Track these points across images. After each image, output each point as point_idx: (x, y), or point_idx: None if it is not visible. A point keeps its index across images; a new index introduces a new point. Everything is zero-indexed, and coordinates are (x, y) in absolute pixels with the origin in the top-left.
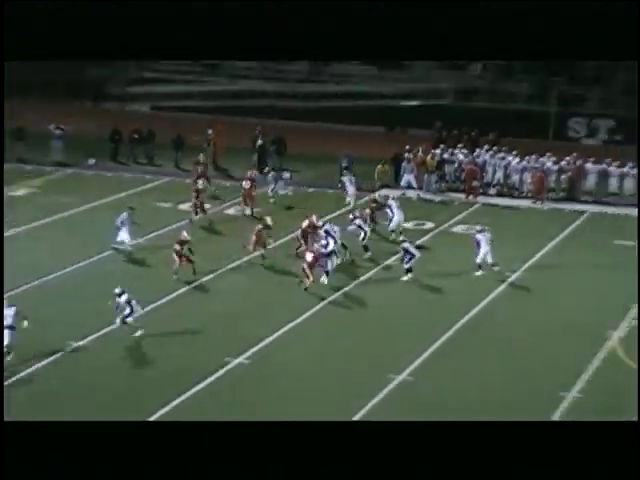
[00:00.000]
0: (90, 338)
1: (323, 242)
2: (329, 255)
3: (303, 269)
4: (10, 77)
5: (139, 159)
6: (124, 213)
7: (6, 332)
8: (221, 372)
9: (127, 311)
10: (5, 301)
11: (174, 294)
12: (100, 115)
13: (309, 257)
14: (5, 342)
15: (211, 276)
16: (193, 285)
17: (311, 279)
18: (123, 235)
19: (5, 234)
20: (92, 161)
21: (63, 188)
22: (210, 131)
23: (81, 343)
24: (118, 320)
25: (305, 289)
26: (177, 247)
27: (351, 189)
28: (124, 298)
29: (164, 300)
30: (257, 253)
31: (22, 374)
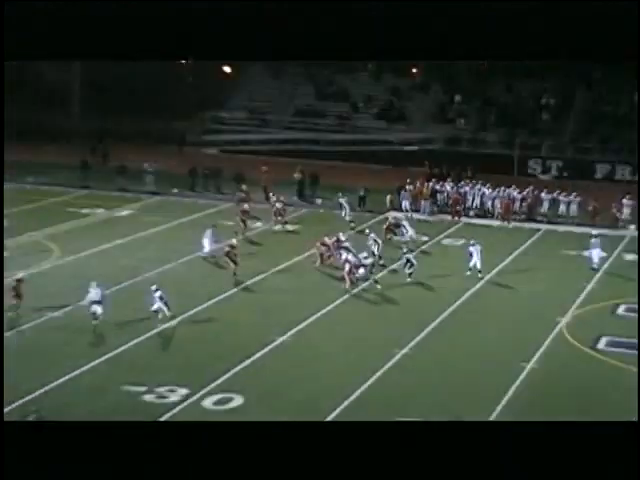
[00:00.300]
0: (179, 319)
1: (362, 254)
2: (365, 266)
3: (343, 275)
4: (118, 127)
5: (210, 189)
6: (209, 230)
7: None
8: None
9: (156, 306)
10: (94, 283)
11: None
12: (182, 156)
13: (347, 266)
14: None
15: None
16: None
17: (348, 284)
18: (207, 245)
19: (112, 243)
20: (175, 190)
21: (154, 210)
22: (265, 168)
23: (168, 325)
24: (156, 306)
25: (346, 291)
26: (227, 249)
27: (347, 209)
28: (158, 294)
29: (230, 292)
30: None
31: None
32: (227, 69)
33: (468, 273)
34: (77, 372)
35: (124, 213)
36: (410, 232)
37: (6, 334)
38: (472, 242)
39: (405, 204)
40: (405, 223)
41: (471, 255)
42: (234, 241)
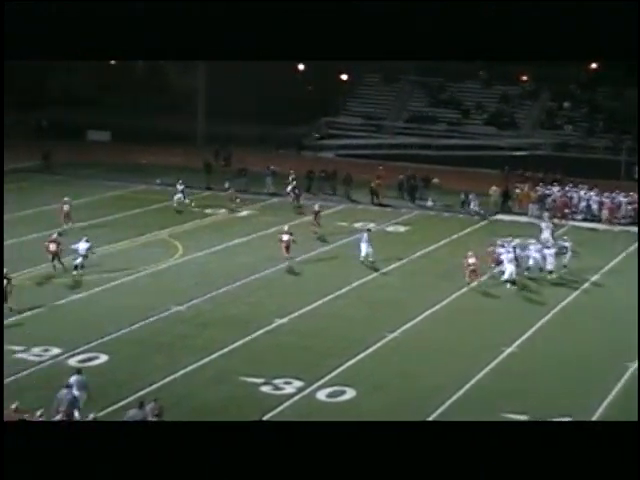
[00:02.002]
0: (292, 315)
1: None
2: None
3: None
4: (240, 132)
5: (326, 191)
6: (365, 234)
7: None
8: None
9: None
10: (85, 238)
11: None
12: (299, 160)
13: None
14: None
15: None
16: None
17: (470, 279)
18: (365, 249)
19: (233, 242)
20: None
21: (272, 211)
22: (381, 167)
23: (284, 320)
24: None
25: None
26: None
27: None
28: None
29: (345, 289)
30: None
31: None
32: (344, 76)
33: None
34: (197, 364)
35: (244, 213)
36: (546, 234)
37: (138, 325)
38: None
39: (473, 205)
40: (543, 225)
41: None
42: (285, 228)
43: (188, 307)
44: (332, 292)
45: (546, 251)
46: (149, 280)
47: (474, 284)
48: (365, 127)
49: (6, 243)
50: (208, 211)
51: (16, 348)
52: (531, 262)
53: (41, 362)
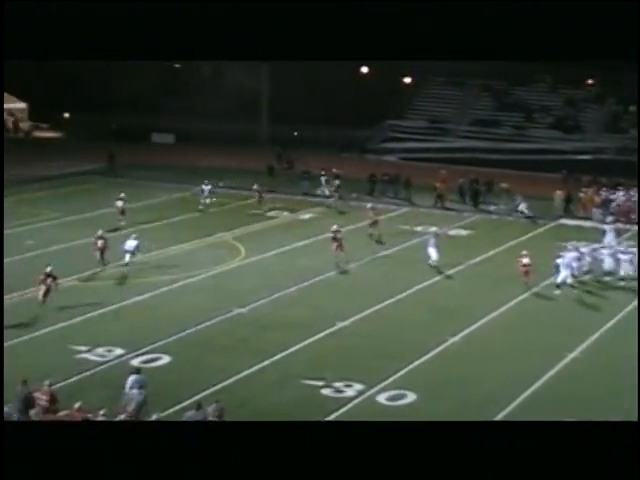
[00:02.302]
0: (354, 318)
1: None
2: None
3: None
4: (303, 135)
5: (388, 194)
6: (433, 238)
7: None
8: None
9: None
10: (133, 236)
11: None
12: (362, 163)
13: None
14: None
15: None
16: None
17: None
18: (434, 253)
19: (295, 245)
20: (355, 195)
21: (334, 214)
22: (443, 171)
23: (346, 323)
24: None
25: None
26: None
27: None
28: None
29: (407, 292)
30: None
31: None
32: (407, 79)
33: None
34: (259, 367)
35: (306, 216)
36: (609, 238)
37: (200, 326)
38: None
39: (522, 207)
40: (607, 229)
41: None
42: (335, 227)
43: (250, 309)
44: (394, 295)
45: (621, 256)
46: (211, 282)
47: (536, 289)
48: (429, 130)
49: (72, 244)
50: (271, 214)
51: (80, 348)
52: (606, 266)
53: (104, 362)
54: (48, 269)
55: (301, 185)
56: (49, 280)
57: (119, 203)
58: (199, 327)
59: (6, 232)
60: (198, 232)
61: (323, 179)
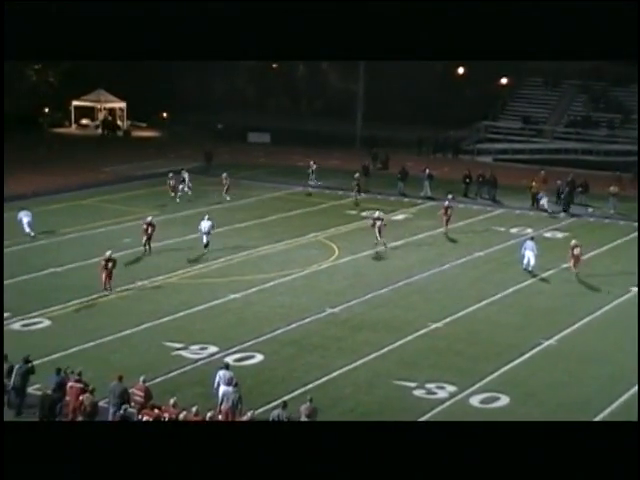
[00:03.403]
0: (447, 320)
1: None
2: None
3: None
4: (398, 135)
5: (483, 195)
6: (529, 242)
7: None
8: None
9: None
10: (207, 217)
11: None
12: (456, 164)
13: None
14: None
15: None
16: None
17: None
18: (531, 258)
19: (387, 246)
20: (450, 196)
21: (429, 215)
22: (543, 172)
23: (439, 324)
24: None
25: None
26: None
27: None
28: None
29: (500, 295)
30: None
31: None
32: (504, 80)
33: None
34: (350, 366)
35: (400, 217)
36: None
37: (293, 325)
38: None
39: (543, 202)
40: None
41: None
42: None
43: (342, 309)
44: (487, 297)
45: None
46: (305, 281)
47: (635, 290)
48: (524, 131)
49: (168, 242)
50: (365, 214)
51: (175, 345)
52: None
53: (199, 360)
54: (108, 253)
55: (396, 186)
56: (109, 265)
57: (225, 181)
58: (292, 326)
59: (103, 230)
60: (292, 232)
61: (426, 183)
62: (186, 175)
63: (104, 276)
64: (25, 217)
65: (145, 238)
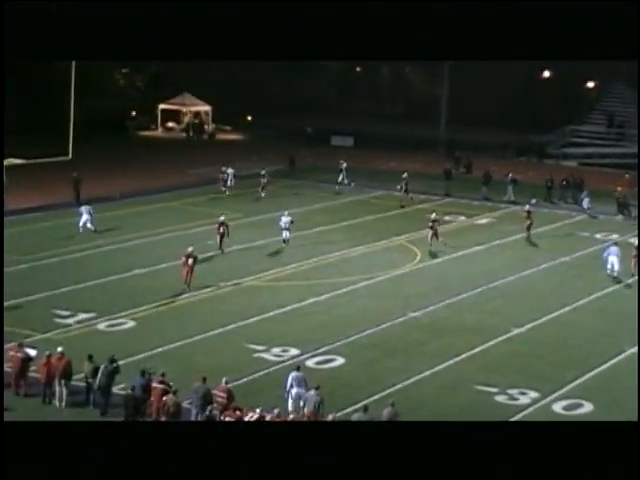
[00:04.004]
0: (530, 325)
1: None
2: None
3: None
4: (481, 139)
5: (567, 200)
6: (613, 247)
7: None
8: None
9: None
10: (287, 212)
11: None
12: (540, 168)
13: None
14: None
15: None
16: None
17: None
18: (615, 264)
19: (471, 250)
20: (533, 201)
21: (512, 220)
22: (627, 176)
23: (522, 330)
24: None
25: None
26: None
27: None
28: None
29: (584, 301)
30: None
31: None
32: (590, 84)
33: None
34: (432, 370)
35: (483, 221)
36: None
37: (375, 329)
38: None
39: (585, 203)
40: None
41: None
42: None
43: (424, 313)
44: (571, 302)
45: None
46: (387, 285)
47: None
48: (609, 135)
49: (252, 244)
50: (447, 218)
51: (257, 347)
52: None
53: (280, 362)
54: (189, 249)
55: (480, 191)
56: (190, 261)
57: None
58: (374, 330)
59: (187, 232)
60: (374, 235)
61: (510, 187)
62: (231, 171)
63: (185, 272)
64: (86, 213)
65: (219, 238)
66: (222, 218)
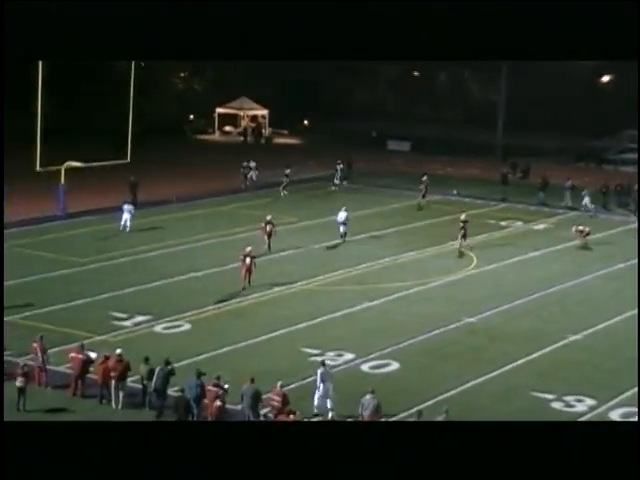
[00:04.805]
0: (586, 332)
1: None
2: None
3: None
4: (538, 144)
5: (626, 206)
6: None
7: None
8: None
9: None
10: (344, 208)
11: None
12: (597, 173)
13: None
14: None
15: None
16: None
17: None
18: None
19: (528, 255)
20: (591, 207)
21: (569, 225)
22: None
23: (578, 337)
24: None
25: None
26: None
27: None
28: None
29: None
30: None
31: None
32: None
33: None
34: (487, 377)
35: (540, 227)
36: None
37: (429, 334)
38: None
39: (585, 201)
40: None
41: None
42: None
43: (479, 319)
44: (628, 310)
45: None
46: (442, 290)
47: None
48: None
49: (306, 249)
50: (503, 223)
51: (312, 351)
52: None
53: (334, 367)
54: (248, 249)
55: (537, 196)
56: (247, 260)
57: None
58: (428, 335)
59: (242, 235)
60: (430, 240)
61: (567, 193)
62: (253, 165)
63: (243, 271)
64: (126, 212)
65: (266, 237)
66: (268, 217)
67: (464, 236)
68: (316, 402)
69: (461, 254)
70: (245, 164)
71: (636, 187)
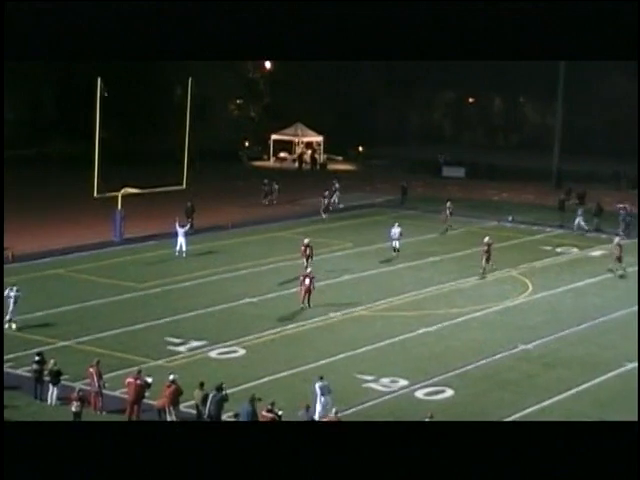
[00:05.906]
0: None
1: None
2: None
3: None
4: (595, 169)
5: None
6: None
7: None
8: None
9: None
10: (396, 224)
11: None
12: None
13: None
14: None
15: None
16: None
17: None
18: None
19: (583, 282)
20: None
21: (626, 252)
22: None
23: (635, 364)
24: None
25: None
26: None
27: None
28: None
29: None
30: None
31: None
32: None
33: None
34: (543, 404)
35: (597, 253)
36: None
37: (484, 360)
38: None
39: (578, 221)
40: None
41: None
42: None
43: (535, 346)
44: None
45: None
46: (497, 317)
47: None
48: None
49: (362, 274)
50: (559, 249)
51: (366, 377)
52: None
53: (389, 393)
54: (308, 270)
55: (591, 222)
56: (307, 281)
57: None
58: (484, 361)
59: (298, 262)
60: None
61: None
62: (275, 185)
63: (303, 292)
64: (182, 235)
65: (305, 260)
66: (306, 240)
67: (488, 259)
68: (317, 417)
69: (484, 276)
70: (266, 181)
71: None
